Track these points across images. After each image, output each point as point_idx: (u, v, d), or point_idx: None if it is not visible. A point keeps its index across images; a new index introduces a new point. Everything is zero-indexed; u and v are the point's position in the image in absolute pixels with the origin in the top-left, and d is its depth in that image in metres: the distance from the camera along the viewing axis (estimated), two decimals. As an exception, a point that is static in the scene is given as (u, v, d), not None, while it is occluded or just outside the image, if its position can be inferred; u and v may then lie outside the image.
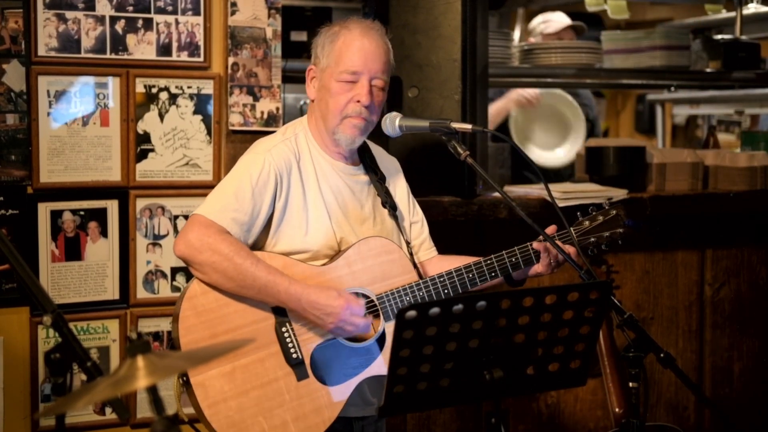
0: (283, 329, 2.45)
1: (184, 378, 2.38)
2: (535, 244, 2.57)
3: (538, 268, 2.59)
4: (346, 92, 2.50)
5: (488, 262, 2.57)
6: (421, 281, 2.55)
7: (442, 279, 2.55)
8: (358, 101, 2.50)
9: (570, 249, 2.56)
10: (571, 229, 2.61)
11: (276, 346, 2.44)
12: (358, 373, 2.50)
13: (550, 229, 2.59)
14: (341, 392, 2.48)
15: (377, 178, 2.67)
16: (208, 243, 2.37)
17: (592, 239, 2.63)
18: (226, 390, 2.38)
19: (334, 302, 2.41)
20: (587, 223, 2.65)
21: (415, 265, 2.63)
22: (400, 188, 2.76)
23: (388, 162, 2.77)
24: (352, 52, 2.50)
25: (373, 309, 2.52)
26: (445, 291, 2.54)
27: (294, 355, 2.44)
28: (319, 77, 2.56)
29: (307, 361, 2.45)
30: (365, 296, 2.52)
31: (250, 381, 2.40)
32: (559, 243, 2.54)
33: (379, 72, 2.53)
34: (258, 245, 2.52)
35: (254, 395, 2.40)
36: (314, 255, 2.51)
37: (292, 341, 2.45)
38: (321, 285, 2.46)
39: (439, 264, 2.69)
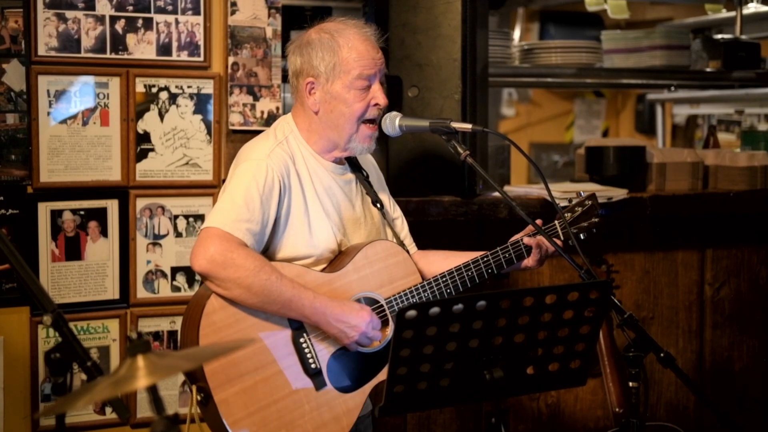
0: (301, 340, 2.44)
1: (202, 395, 2.36)
2: (526, 240, 2.63)
3: (528, 261, 2.65)
4: (362, 99, 2.50)
5: (485, 259, 2.61)
6: (425, 282, 2.57)
7: (444, 279, 2.57)
8: (376, 104, 2.51)
9: (558, 242, 2.64)
10: (556, 222, 2.69)
11: (294, 357, 2.43)
12: (372, 378, 2.50)
13: (537, 223, 2.63)
14: (357, 398, 2.48)
15: (363, 176, 2.68)
16: (232, 258, 2.33)
17: (574, 230, 2.70)
18: (249, 405, 2.36)
19: (358, 316, 2.42)
20: (568, 215, 2.72)
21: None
22: (380, 185, 2.77)
23: (366, 159, 2.76)
24: (362, 58, 2.48)
25: (381, 313, 2.52)
26: (448, 291, 2.57)
27: (313, 365, 2.43)
28: (324, 89, 2.51)
29: (325, 371, 2.45)
30: (375, 300, 2.53)
31: (271, 394, 2.39)
32: (542, 238, 2.61)
33: (384, 70, 2.55)
34: (262, 251, 2.50)
35: (275, 408, 2.39)
36: (317, 259, 2.51)
37: (310, 351, 2.44)
38: (333, 293, 2.46)
39: (423, 260, 2.70)
